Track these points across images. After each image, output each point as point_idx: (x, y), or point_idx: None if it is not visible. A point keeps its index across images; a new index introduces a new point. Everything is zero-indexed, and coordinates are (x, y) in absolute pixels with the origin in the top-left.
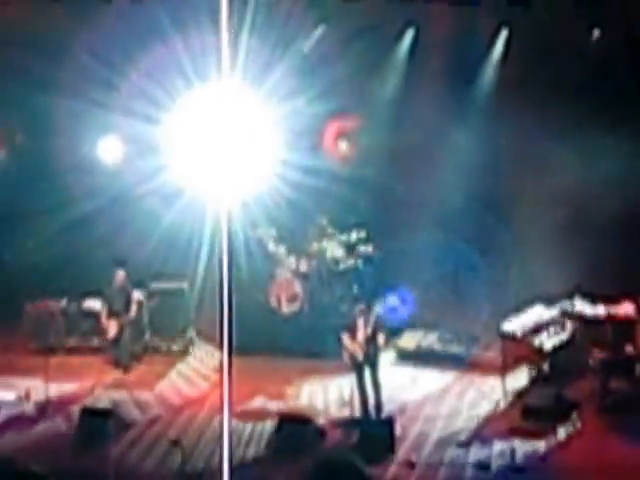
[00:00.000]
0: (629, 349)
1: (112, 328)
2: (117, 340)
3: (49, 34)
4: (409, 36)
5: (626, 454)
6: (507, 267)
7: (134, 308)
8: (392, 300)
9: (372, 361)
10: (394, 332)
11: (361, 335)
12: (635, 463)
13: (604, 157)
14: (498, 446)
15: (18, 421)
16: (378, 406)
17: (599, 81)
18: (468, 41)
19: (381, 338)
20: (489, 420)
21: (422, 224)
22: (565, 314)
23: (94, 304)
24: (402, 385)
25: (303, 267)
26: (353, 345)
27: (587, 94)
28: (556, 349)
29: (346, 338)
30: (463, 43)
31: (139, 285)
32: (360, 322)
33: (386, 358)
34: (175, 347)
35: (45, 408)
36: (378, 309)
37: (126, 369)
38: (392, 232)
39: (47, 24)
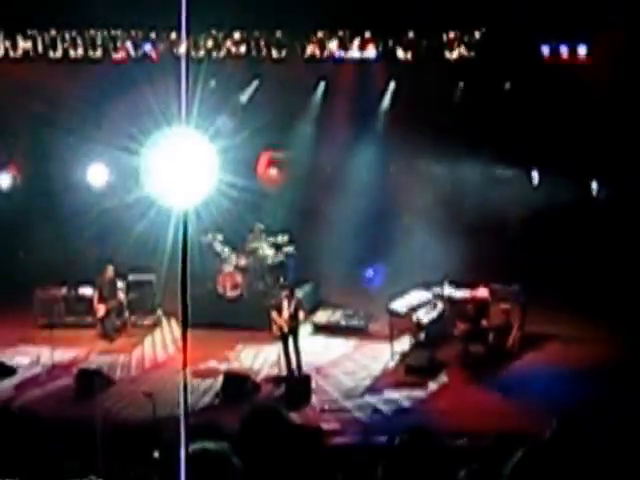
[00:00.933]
0: (484, 323)
1: (101, 310)
2: (105, 318)
3: (53, 87)
4: (321, 87)
5: (481, 399)
6: (385, 261)
7: (120, 295)
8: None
9: (294, 332)
10: (310, 310)
11: (286, 313)
12: (486, 405)
13: (468, 176)
14: (388, 395)
15: (31, 380)
16: (299, 366)
17: (462, 121)
18: (365, 90)
19: (301, 315)
20: (381, 376)
21: (332, 230)
22: (437, 296)
23: (87, 291)
24: (316, 351)
25: (242, 262)
26: (280, 321)
27: (454, 130)
28: (430, 322)
29: (275, 315)
30: (362, 92)
31: (122, 276)
32: (285, 303)
33: (304, 330)
34: (147, 322)
35: (51, 370)
36: (299, 293)
37: (111, 340)
38: (309, 236)
39: (51, 79)
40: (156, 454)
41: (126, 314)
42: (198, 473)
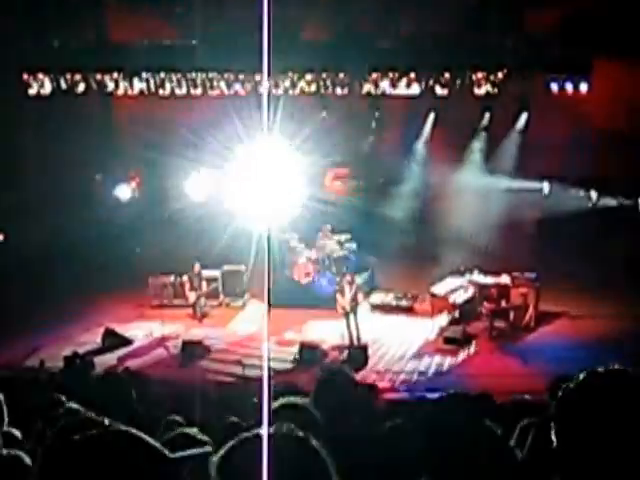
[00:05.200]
0: (506, 303)
1: (192, 296)
2: (195, 303)
3: (161, 118)
4: (376, 116)
5: (503, 364)
6: (435, 255)
7: (204, 285)
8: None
9: (354, 311)
10: (367, 293)
11: (348, 295)
12: (508, 370)
13: (489, 187)
14: (430, 360)
15: (144, 349)
16: (358, 338)
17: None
18: (411, 119)
19: (359, 297)
20: (424, 345)
21: (384, 228)
22: (468, 282)
23: (186, 280)
24: (372, 325)
25: (313, 256)
26: (343, 301)
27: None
28: (463, 303)
29: (339, 297)
30: (407, 120)
31: (217, 267)
32: (347, 288)
33: (362, 309)
34: (238, 303)
35: (161, 340)
36: (358, 280)
37: (200, 319)
38: (366, 234)
39: (160, 112)
40: (255, 399)
41: (221, 296)
42: (285, 421)
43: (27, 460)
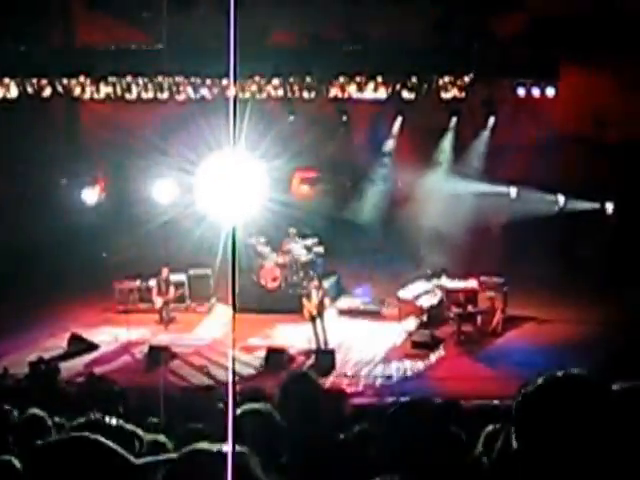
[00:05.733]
0: (473, 307)
1: (159, 302)
2: (162, 308)
3: (129, 122)
4: (343, 120)
5: (470, 368)
6: (403, 259)
7: (172, 290)
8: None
9: (321, 316)
10: (334, 298)
11: (315, 300)
12: (475, 373)
13: (459, 190)
14: (398, 365)
15: (110, 354)
16: (325, 342)
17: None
18: (378, 123)
19: (326, 302)
20: (392, 349)
21: (352, 232)
22: (436, 286)
23: (153, 285)
24: (339, 329)
25: (280, 260)
26: (310, 306)
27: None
28: (431, 307)
29: (306, 302)
30: (375, 124)
31: (183, 271)
32: (314, 292)
33: (329, 314)
34: (204, 308)
35: (127, 346)
36: (325, 284)
37: (166, 324)
38: (333, 238)
39: (128, 116)
40: (220, 405)
41: (188, 301)
42: (249, 428)
43: (17, 465)
